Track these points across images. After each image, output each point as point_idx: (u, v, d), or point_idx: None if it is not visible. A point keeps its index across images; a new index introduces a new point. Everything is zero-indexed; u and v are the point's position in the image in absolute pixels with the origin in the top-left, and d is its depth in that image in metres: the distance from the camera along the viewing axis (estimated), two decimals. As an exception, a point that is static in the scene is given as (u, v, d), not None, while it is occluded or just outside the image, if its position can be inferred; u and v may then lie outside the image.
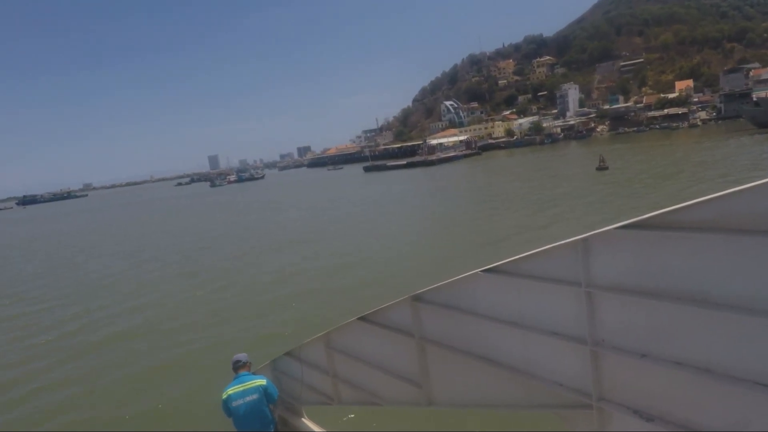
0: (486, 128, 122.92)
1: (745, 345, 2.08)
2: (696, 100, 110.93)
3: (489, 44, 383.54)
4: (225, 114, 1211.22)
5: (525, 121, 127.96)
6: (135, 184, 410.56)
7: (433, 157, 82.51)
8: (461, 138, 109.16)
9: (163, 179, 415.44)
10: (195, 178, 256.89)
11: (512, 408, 3.41)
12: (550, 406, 3.06)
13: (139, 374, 10.69)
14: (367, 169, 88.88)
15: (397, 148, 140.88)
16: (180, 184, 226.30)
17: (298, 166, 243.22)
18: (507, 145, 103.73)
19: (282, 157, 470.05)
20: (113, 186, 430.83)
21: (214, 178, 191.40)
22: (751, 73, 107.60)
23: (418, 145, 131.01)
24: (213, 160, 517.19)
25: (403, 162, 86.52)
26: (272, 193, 71.89)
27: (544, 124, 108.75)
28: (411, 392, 4.02)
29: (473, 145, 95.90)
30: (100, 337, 13.68)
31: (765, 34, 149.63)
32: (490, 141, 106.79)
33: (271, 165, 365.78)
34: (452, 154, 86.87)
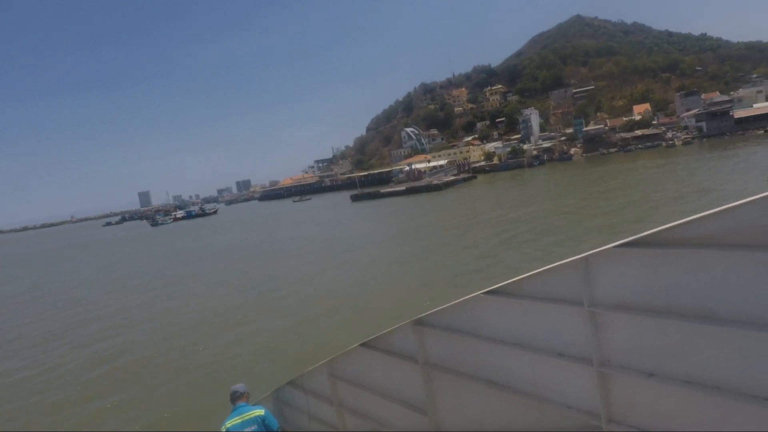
0: (461, 152, 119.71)
1: (755, 361, 2.03)
2: (655, 122, 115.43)
3: (436, 75, 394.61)
4: (153, 150, 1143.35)
5: (491, 146, 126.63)
6: (52, 225, 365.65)
7: (437, 182, 75.80)
8: (441, 162, 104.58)
9: (87, 219, 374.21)
10: (127, 217, 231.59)
11: None
12: (561, 430, 2.93)
13: None
14: (355, 198, 79.88)
15: (363, 176, 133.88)
16: (109, 223, 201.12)
17: (247, 199, 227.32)
18: (493, 169, 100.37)
19: (220, 192, 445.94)
20: (25, 228, 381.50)
21: (153, 215, 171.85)
22: (702, 96, 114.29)
23: (388, 172, 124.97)
24: (144, 197, 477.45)
25: (402, 188, 78.90)
26: (251, 232, 57.24)
27: (524, 148, 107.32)
28: (417, 420, 3.88)
29: (466, 168, 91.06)
30: None
31: (693, 66, 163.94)
32: (475, 165, 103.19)
33: (209, 200, 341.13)
34: (452, 178, 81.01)
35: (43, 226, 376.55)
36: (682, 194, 32.39)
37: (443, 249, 27.31)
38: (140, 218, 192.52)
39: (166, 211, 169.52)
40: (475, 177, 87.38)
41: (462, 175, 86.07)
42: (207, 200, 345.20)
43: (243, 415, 5.00)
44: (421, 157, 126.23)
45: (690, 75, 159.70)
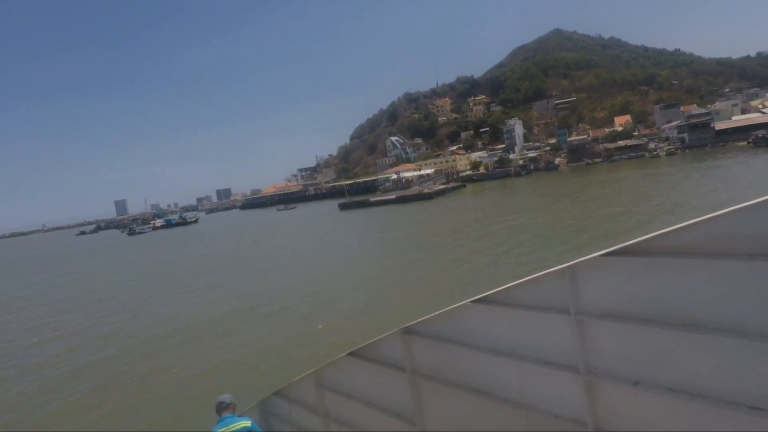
0: (447, 161, 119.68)
1: (737, 368, 2.07)
2: (636, 133, 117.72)
3: (420, 84, 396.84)
4: (130, 157, 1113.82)
5: (476, 156, 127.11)
6: (22, 234, 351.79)
7: (428, 190, 74.99)
8: (428, 171, 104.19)
9: (60, 228, 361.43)
10: (103, 226, 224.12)
11: None
12: None
13: None
14: (343, 207, 78.41)
15: (349, 184, 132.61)
16: (83, 233, 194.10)
17: (228, 208, 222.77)
18: (481, 178, 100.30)
19: (199, 200, 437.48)
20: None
21: (130, 223, 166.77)
22: (681, 109, 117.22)
23: (374, 180, 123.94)
24: (120, 205, 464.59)
25: (392, 197, 77.81)
26: (238, 242, 55.17)
27: (510, 157, 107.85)
28: (405, 429, 3.88)
29: (455, 177, 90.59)
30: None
31: (669, 80, 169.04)
32: (462, 174, 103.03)
33: (188, 208, 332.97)
34: (441, 186, 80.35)
35: (13, 235, 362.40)
36: (677, 203, 32.29)
37: (444, 258, 26.28)
38: (116, 227, 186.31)
39: (144, 220, 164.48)
40: (464, 186, 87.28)
41: (451, 184, 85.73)
42: (186, 209, 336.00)
43: (229, 427, 4.94)
44: (409, 165, 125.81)
45: (667, 88, 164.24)
